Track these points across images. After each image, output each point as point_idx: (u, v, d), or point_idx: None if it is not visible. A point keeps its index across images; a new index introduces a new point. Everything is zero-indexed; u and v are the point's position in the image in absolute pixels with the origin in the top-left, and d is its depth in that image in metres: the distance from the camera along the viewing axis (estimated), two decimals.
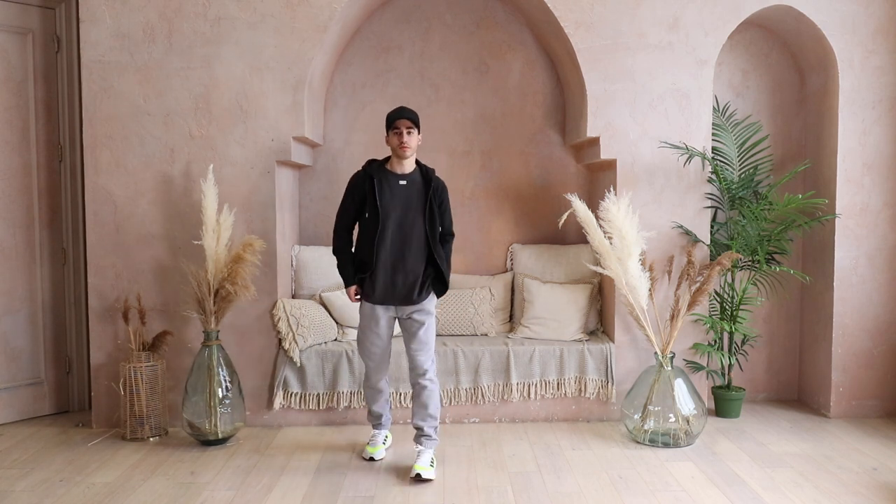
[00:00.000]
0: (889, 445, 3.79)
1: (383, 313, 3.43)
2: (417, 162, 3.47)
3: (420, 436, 3.45)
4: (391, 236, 3.35)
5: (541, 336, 4.24)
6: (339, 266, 3.50)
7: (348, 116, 4.59)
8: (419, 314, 3.41)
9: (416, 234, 3.36)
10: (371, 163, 3.48)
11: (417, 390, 3.45)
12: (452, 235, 3.55)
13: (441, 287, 3.44)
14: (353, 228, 3.50)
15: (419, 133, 3.39)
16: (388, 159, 3.45)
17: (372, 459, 3.56)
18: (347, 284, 3.47)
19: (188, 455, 3.65)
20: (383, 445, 3.64)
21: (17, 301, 4.15)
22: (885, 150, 4.18)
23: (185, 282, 3.93)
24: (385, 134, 3.41)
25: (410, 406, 4.04)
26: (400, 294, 3.38)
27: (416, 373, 3.44)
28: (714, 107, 4.38)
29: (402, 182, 3.38)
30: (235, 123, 4.00)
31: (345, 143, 4.60)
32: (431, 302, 3.45)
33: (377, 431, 3.66)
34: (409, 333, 3.44)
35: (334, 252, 3.50)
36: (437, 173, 4.02)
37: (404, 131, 3.32)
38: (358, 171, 3.47)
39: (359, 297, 3.47)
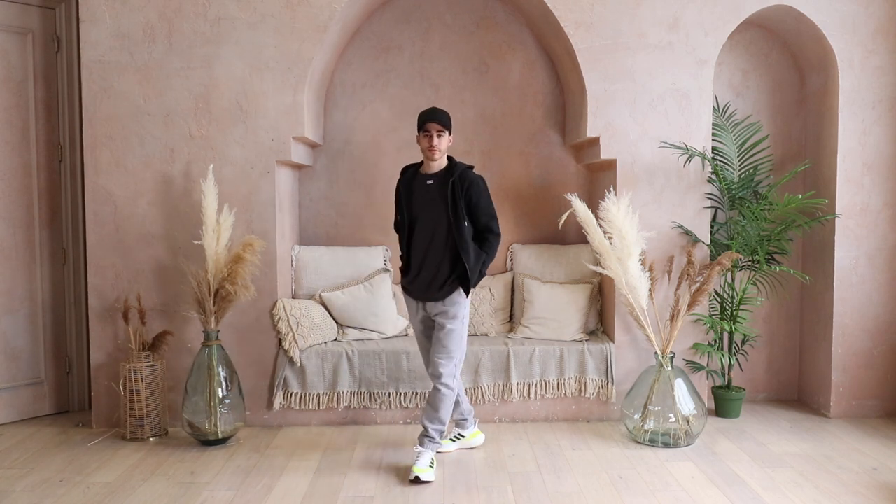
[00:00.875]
0: (889, 445, 3.79)
1: (416, 309, 3.53)
2: (451, 159, 3.49)
3: (423, 436, 3.44)
4: (418, 236, 3.44)
5: (541, 336, 4.24)
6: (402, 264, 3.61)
7: (348, 116, 4.59)
8: (441, 317, 3.42)
9: (439, 232, 3.39)
10: (405, 170, 3.58)
11: (432, 391, 3.47)
12: (492, 232, 3.43)
13: (465, 282, 3.39)
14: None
15: (450, 134, 3.43)
16: (423, 161, 3.53)
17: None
18: None
19: (188, 455, 3.65)
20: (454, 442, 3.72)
21: (17, 301, 4.15)
22: (885, 150, 4.18)
23: (185, 282, 3.93)
24: (417, 133, 3.46)
25: (410, 406, 4.07)
26: (423, 289, 3.44)
27: (431, 373, 3.47)
28: (714, 107, 4.38)
29: (430, 182, 3.43)
30: (235, 123, 4.00)
31: (345, 143, 4.60)
32: (457, 306, 3.41)
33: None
34: (434, 334, 3.49)
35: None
36: None
37: (434, 134, 3.36)
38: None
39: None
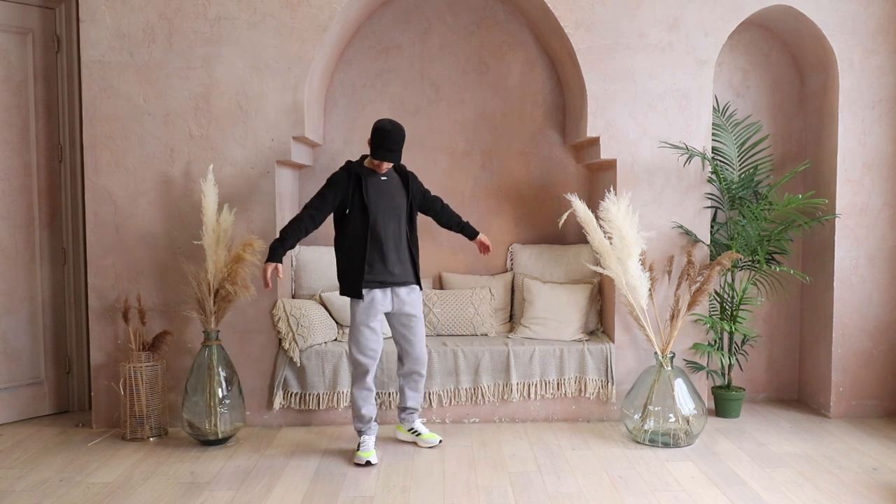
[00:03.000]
0: (889, 445, 3.79)
1: (384, 305, 3.58)
2: None
3: (415, 411, 3.83)
4: (383, 228, 3.54)
5: (541, 336, 4.24)
6: (281, 236, 3.49)
7: (348, 116, 4.59)
8: (411, 307, 3.63)
9: (402, 224, 3.60)
10: (351, 166, 3.61)
11: (416, 377, 3.76)
12: (439, 198, 3.90)
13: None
14: (319, 217, 3.52)
15: None
16: (364, 158, 3.63)
17: (369, 463, 3.52)
18: (273, 259, 3.43)
19: (188, 455, 3.65)
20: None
21: (17, 301, 4.15)
22: (885, 150, 4.18)
23: (185, 282, 3.93)
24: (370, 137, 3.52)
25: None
26: (397, 276, 3.58)
27: (420, 363, 3.73)
28: (714, 107, 4.38)
29: (384, 178, 3.61)
30: (235, 123, 4.00)
31: (345, 143, 4.60)
32: (421, 293, 3.73)
33: (368, 437, 3.64)
34: (408, 329, 3.67)
35: (289, 222, 3.52)
36: (438, 173, 4.64)
37: (384, 165, 3.55)
38: (339, 171, 3.59)
39: (272, 276, 3.43)
